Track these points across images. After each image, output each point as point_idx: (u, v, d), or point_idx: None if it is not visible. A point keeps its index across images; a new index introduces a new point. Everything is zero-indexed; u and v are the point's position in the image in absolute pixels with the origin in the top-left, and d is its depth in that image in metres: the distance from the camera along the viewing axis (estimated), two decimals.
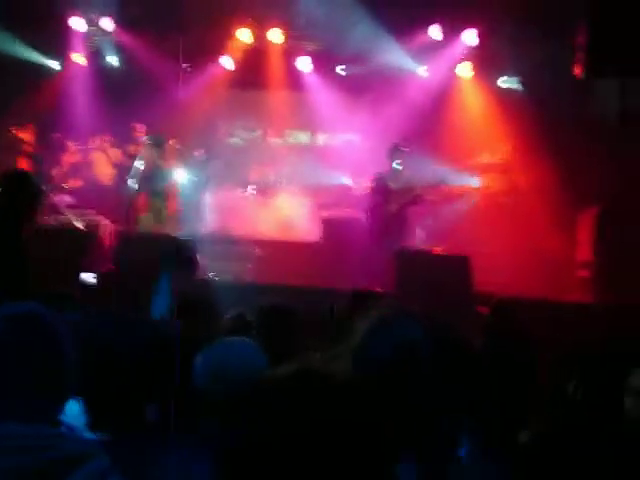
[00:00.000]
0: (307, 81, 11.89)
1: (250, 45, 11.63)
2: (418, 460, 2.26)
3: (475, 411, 2.62)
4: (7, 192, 4.35)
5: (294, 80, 11.89)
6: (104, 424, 2.50)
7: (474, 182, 10.81)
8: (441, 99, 11.22)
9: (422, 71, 11.49)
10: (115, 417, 2.58)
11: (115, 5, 11.07)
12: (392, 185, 8.89)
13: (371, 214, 9.07)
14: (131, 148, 10.71)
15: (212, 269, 8.75)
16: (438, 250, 8.88)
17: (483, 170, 11.00)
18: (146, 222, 9.31)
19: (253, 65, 11.69)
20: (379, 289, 8.24)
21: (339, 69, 11.80)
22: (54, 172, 10.75)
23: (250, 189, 10.77)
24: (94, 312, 4.15)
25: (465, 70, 11.44)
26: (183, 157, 10.60)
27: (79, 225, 9.51)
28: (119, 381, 2.60)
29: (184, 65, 11.76)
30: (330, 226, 9.59)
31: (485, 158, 11.14)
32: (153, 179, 9.31)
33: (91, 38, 12.03)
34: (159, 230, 9.16)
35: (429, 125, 10.81)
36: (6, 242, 4.23)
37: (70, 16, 11.43)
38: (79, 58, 12.03)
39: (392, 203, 8.79)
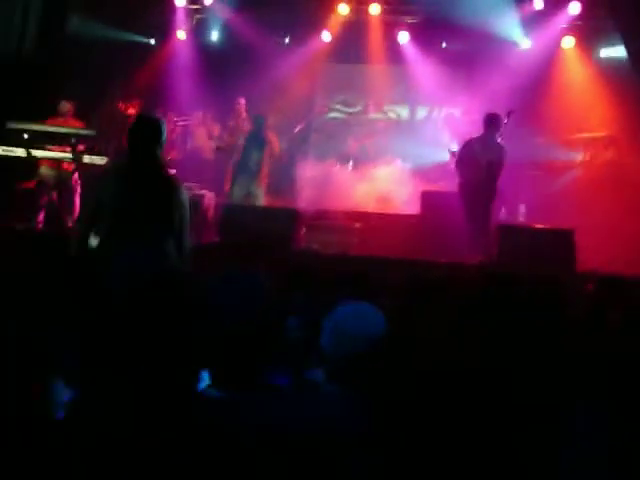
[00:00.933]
0: (407, 54, 11.80)
1: (350, 18, 11.62)
2: None
3: None
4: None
5: (394, 54, 11.83)
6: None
7: (577, 156, 10.54)
8: (544, 71, 10.96)
9: (525, 43, 11.25)
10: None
11: None
12: (487, 156, 8.73)
13: (460, 186, 8.94)
14: (231, 122, 10.87)
15: (314, 241, 8.84)
16: (541, 225, 8.69)
17: (586, 144, 10.70)
18: (237, 194, 9.51)
19: (353, 39, 11.69)
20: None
21: (442, 43, 11.67)
22: None
23: (350, 163, 10.80)
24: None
25: (568, 42, 11.16)
26: (283, 132, 10.69)
27: None
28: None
29: (285, 40, 11.83)
30: (429, 199, 9.52)
31: (588, 132, 10.83)
32: (248, 153, 9.53)
33: (192, 14, 12.27)
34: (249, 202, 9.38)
35: (531, 98, 10.57)
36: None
37: None
38: (181, 34, 12.28)
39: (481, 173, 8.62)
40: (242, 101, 10.96)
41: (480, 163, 8.55)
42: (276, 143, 9.93)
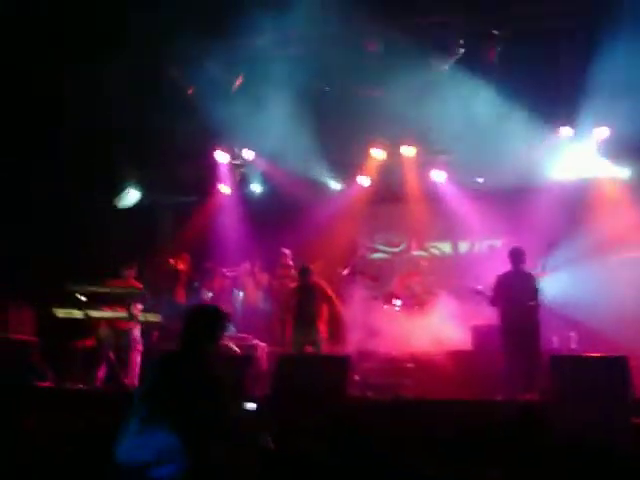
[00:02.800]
0: (444, 191, 12.13)
1: (385, 162, 12.04)
2: None
3: None
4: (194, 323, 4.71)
5: (432, 192, 12.16)
6: None
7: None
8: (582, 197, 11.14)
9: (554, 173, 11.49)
10: None
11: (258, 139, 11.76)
12: (514, 288, 8.87)
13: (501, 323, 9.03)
14: (279, 271, 11.17)
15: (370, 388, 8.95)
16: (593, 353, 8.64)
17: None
18: (298, 344, 9.66)
19: (391, 180, 12.06)
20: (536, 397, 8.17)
21: (478, 179, 11.98)
22: (207, 298, 11.31)
23: (397, 302, 10.91)
24: None
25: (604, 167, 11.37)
26: (330, 277, 10.90)
27: (236, 349, 9.94)
28: None
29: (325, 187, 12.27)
30: (480, 334, 9.56)
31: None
32: (304, 304, 9.78)
33: (235, 169, 12.83)
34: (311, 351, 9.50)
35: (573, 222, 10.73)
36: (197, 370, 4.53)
37: (214, 150, 12.28)
38: (225, 189, 12.81)
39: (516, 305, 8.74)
40: (287, 252, 11.32)
41: (515, 296, 8.70)
42: (326, 288, 10.14)
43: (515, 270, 9.01)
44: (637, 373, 7.77)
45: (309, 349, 9.58)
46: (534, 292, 8.85)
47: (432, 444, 4.64)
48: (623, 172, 11.34)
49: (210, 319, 4.74)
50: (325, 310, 9.94)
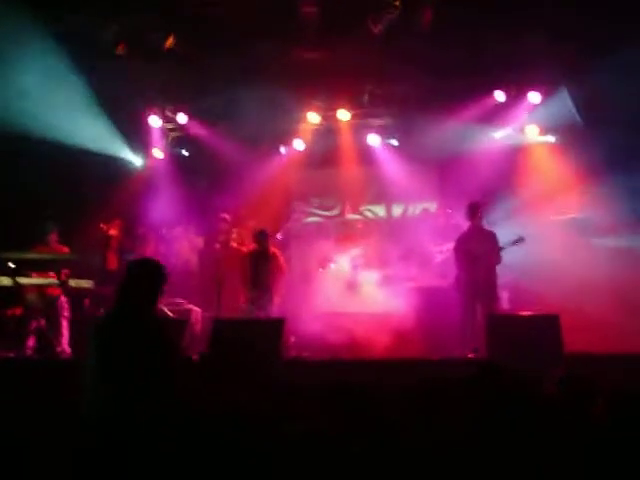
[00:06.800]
0: (378, 155, 12.16)
1: (320, 126, 11.99)
2: None
3: None
4: (135, 276, 4.51)
5: (366, 155, 12.20)
6: None
7: None
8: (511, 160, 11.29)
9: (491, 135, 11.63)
10: None
11: (189, 99, 11.55)
12: (475, 244, 8.96)
13: (456, 279, 9.11)
14: (220, 237, 11.04)
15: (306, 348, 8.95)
16: (526, 311, 8.81)
17: None
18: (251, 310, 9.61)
19: (325, 144, 12.03)
20: (471, 355, 8.31)
21: (393, 140, 12.06)
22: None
23: (332, 266, 10.93)
24: None
25: (533, 132, 11.56)
26: None
27: (169, 313, 9.82)
28: None
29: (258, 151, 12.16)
30: (416, 296, 9.66)
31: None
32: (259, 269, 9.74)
33: (167, 132, 12.62)
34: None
35: (504, 185, 10.89)
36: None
37: (148, 114, 12.02)
38: (157, 153, 12.59)
39: (478, 263, 8.83)
40: (227, 217, 11.19)
41: (477, 254, 8.78)
42: (281, 257, 10.10)
43: (474, 227, 9.08)
44: (568, 330, 7.99)
45: (260, 314, 9.51)
46: (494, 248, 8.94)
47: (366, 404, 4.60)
48: (550, 139, 11.55)
49: (152, 275, 4.53)
50: (280, 282, 9.88)
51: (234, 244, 10.94)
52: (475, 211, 9.10)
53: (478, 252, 8.87)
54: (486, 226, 9.18)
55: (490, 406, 3.78)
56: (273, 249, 10.04)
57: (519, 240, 8.86)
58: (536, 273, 9.93)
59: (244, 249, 10.54)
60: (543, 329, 7.99)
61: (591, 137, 10.48)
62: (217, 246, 10.83)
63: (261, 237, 9.96)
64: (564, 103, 10.73)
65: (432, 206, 12.11)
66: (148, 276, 4.52)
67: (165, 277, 4.61)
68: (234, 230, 11.21)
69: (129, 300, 4.44)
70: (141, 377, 4.18)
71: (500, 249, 8.90)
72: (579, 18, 9.06)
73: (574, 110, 10.73)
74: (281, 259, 10.02)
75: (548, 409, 3.89)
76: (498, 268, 9.09)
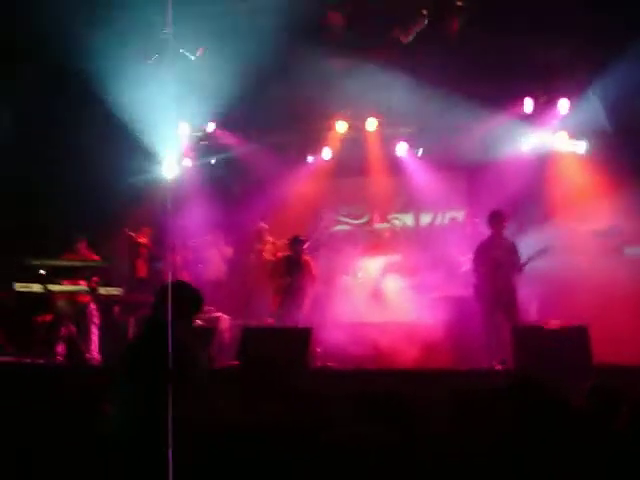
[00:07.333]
0: (406, 164, 12.13)
1: (348, 135, 11.99)
2: None
3: None
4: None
5: (394, 164, 12.16)
6: None
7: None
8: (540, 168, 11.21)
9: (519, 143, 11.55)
10: None
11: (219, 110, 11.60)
12: (498, 253, 8.89)
13: (476, 288, 9.05)
14: (257, 246, 11.11)
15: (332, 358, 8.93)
16: (554, 322, 8.74)
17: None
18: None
19: (353, 153, 12.02)
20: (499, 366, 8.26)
21: (420, 149, 12.00)
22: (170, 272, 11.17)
23: (360, 274, 10.92)
24: None
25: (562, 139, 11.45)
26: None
27: (198, 321, 9.86)
28: None
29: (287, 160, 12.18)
30: (443, 305, 9.62)
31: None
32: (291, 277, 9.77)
33: (198, 142, 12.67)
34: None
35: (532, 193, 10.82)
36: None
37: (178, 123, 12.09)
38: (186, 162, 12.65)
39: (501, 272, 8.76)
40: (265, 226, 11.31)
41: (501, 262, 8.72)
42: (313, 265, 10.13)
43: (495, 235, 9.03)
44: (597, 342, 7.91)
45: (288, 321, 9.53)
46: (517, 258, 8.87)
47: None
48: (580, 146, 11.43)
49: (188, 300, 4.54)
50: (310, 289, 9.90)
51: (266, 255, 11.00)
52: (500, 220, 9.02)
53: (502, 260, 8.79)
54: (508, 236, 9.10)
55: (521, 418, 3.77)
56: (305, 257, 10.07)
57: (545, 250, 8.77)
58: (565, 283, 9.85)
59: (271, 258, 10.58)
60: (572, 340, 7.94)
61: (621, 144, 10.42)
62: (252, 256, 10.90)
63: (295, 244, 10.01)
64: (594, 110, 10.64)
65: (460, 215, 12.07)
66: (183, 301, 4.47)
67: (201, 305, 4.64)
68: (270, 239, 11.27)
69: (161, 322, 4.31)
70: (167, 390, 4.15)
71: (526, 260, 8.81)
72: (610, 25, 9.01)
73: (603, 116, 10.63)
74: (313, 267, 10.04)
75: (577, 421, 3.88)
76: (527, 278, 9.01)
